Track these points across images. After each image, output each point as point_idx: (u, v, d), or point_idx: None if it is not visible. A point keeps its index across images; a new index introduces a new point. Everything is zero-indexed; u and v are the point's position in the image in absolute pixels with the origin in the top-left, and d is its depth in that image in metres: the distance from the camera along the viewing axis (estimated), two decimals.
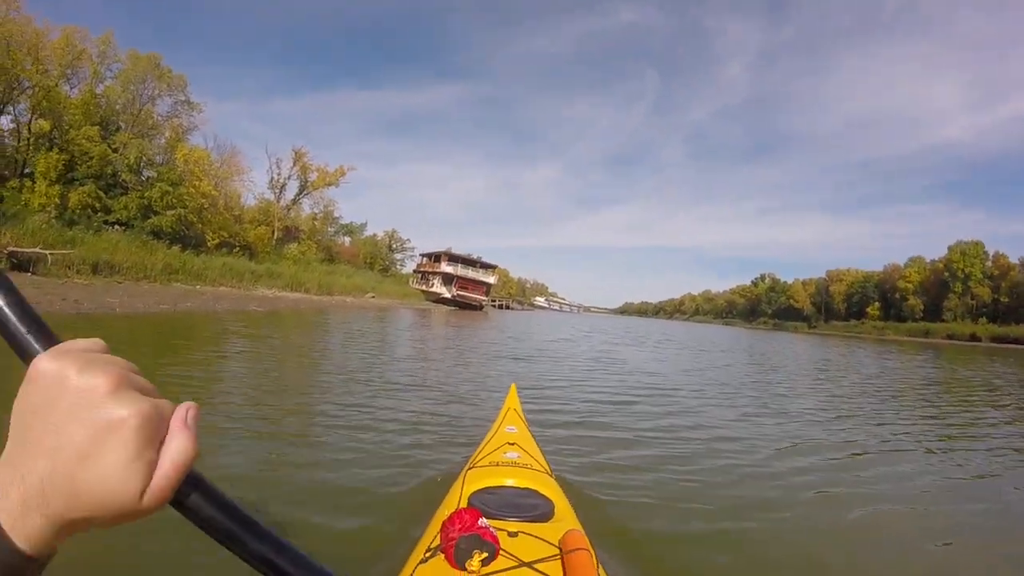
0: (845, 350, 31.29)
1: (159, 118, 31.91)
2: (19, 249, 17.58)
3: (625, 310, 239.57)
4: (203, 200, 30.66)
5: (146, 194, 28.13)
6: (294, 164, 45.91)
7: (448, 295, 57.00)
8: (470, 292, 58.81)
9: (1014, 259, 76.28)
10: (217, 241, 31.71)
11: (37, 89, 27.00)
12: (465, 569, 1.73)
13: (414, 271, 65.77)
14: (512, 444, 3.18)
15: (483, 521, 1.86)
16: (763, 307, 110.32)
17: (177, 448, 0.41)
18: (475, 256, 62.61)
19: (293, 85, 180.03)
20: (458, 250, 61.32)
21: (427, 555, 1.94)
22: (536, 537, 2.04)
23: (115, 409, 0.39)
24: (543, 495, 2.52)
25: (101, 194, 27.44)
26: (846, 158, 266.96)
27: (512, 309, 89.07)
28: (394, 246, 66.87)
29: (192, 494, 0.44)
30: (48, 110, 27.45)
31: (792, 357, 23.21)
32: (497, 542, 1.81)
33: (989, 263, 76.91)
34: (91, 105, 28.74)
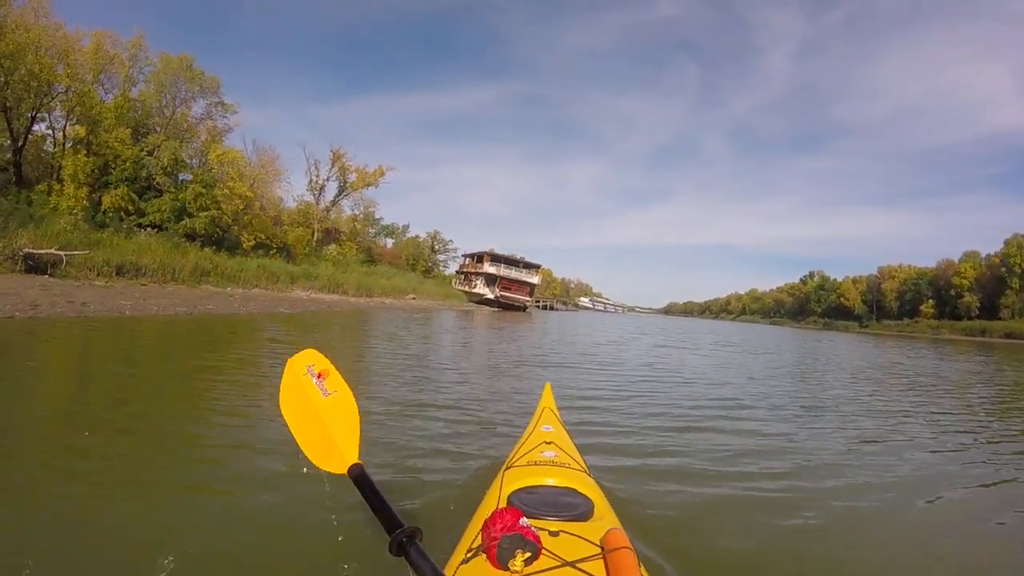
0: (916, 351, 28.38)
1: (193, 120, 30.69)
2: (35, 251, 16.47)
3: (670, 310, 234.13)
4: (238, 201, 29.58)
5: (180, 196, 26.88)
6: (332, 165, 44.56)
7: (491, 296, 54.96)
8: (513, 293, 56.60)
9: None
10: (253, 243, 30.29)
11: (71, 94, 25.97)
12: (508, 569, 1.72)
13: (456, 272, 63.78)
14: (549, 443, 3.12)
15: (524, 520, 1.85)
16: (812, 306, 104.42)
17: None
18: (518, 256, 60.29)
19: (336, 90, 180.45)
20: (501, 250, 59.24)
21: (468, 555, 1.92)
22: (577, 536, 2.02)
23: None
24: (583, 494, 2.48)
25: (134, 196, 26.28)
26: (896, 148, 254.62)
27: (556, 310, 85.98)
28: (436, 247, 65.11)
29: None
30: (83, 115, 26.31)
31: (863, 359, 20.60)
32: (539, 541, 1.80)
33: None
34: (124, 109, 27.65)
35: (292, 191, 44.38)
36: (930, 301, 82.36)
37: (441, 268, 64.79)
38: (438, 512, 3.35)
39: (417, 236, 62.93)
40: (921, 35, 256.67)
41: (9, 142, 25.28)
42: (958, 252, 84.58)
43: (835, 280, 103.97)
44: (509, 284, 56.85)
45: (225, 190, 28.46)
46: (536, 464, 2.77)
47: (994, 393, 12.46)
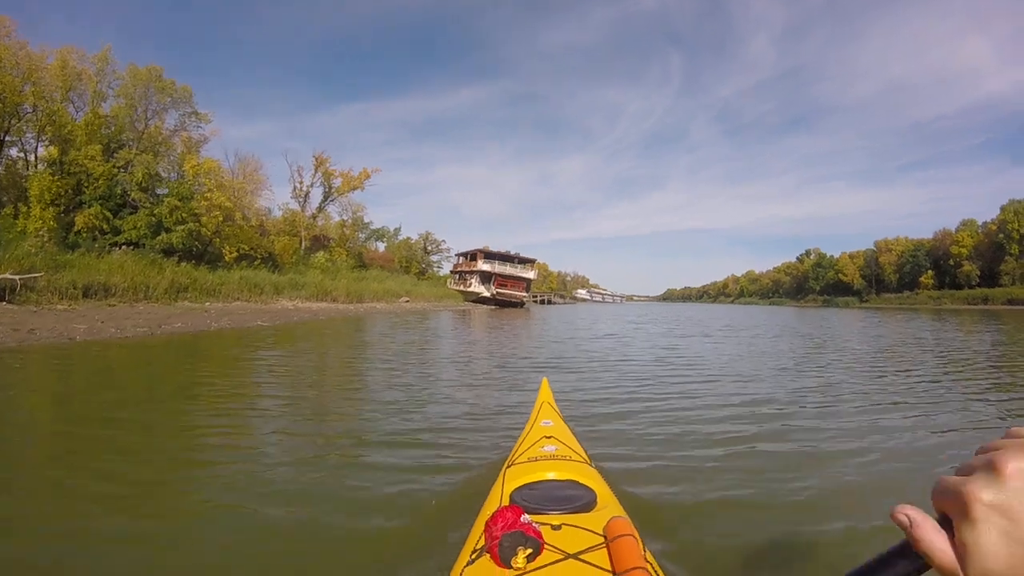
0: (932, 325, 27.15)
1: (167, 132, 29.56)
2: None
3: (668, 296, 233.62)
4: (218, 213, 28.59)
5: (156, 211, 25.87)
6: (316, 171, 43.49)
7: (487, 293, 53.81)
8: (509, 289, 55.30)
9: None
10: (235, 254, 29.24)
11: (40, 114, 25.15)
12: (511, 567, 1.75)
13: (451, 272, 62.60)
14: (549, 437, 3.12)
15: (525, 517, 1.89)
16: (811, 284, 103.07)
17: None
18: (512, 252, 59.20)
19: (325, 99, 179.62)
20: (495, 248, 58.19)
21: (473, 556, 1.93)
22: (580, 528, 2.02)
23: None
24: (584, 485, 2.47)
25: (108, 215, 25.33)
26: (886, 124, 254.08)
27: (554, 303, 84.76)
28: (429, 248, 64.00)
29: None
30: (55, 135, 25.46)
31: (886, 337, 19.45)
32: (540, 536, 1.84)
33: None
34: (95, 125, 26.56)
35: (277, 200, 43.49)
36: (929, 272, 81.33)
37: (435, 269, 63.75)
38: (443, 515, 3.35)
39: (409, 238, 61.82)
40: (904, 12, 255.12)
41: None
42: (953, 222, 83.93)
43: (832, 257, 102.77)
44: (504, 281, 55.62)
45: (203, 202, 27.45)
46: (537, 459, 2.76)
47: None
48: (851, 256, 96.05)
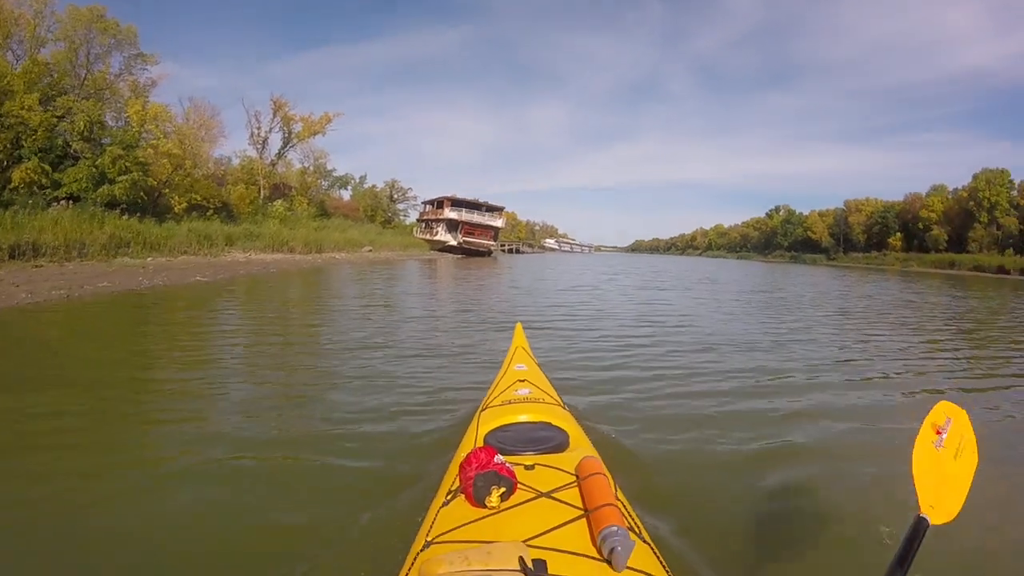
0: (911, 287, 28.55)
1: (112, 78, 28.26)
2: None
3: (636, 248, 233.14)
4: (166, 162, 27.50)
5: (97, 162, 24.97)
6: (274, 115, 42.03)
7: (454, 242, 53.44)
8: (477, 237, 55.07)
9: None
10: (185, 205, 28.55)
11: None
12: (485, 506, 1.82)
13: (417, 220, 62.03)
14: (523, 381, 3.12)
15: (499, 458, 1.95)
16: (779, 240, 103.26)
17: None
18: (480, 200, 58.38)
19: (288, 44, 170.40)
20: (464, 196, 57.38)
21: (448, 497, 1.99)
22: (553, 467, 2.08)
23: None
24: (557, 427, 2.52)
25: (48, 168, 24.33)
26: (864, 85, 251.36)
27: (523, 253, 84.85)
28: (395, 196, 63.01)
29: None
30: (6, 86, 24.01)
31: (873, 296, 20.73)
32: (514, 476, 1.90)
33: (1015, 193, 70.20)
34: (34, 73, 25.18)
35: (230, 145, 41.88)
36: (898, 234, 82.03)
37: (402, 218, 62.86)
38: (420, 458, 3.42)
39: (374, 186, 60.55)
40: None
41: None
42: (923, 188, 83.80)
43: (801, 214, 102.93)
44: (472, 229, 55.25)
45: (149, 150, 26.31)
46: (511, 403, 2.78)
47: None
48: (821, 214, 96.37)
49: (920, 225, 78.63)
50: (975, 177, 72.92)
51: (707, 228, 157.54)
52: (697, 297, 17.48)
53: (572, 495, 1.85)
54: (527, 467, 2.05)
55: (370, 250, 40.05)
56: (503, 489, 1.83)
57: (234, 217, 32.45)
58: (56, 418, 4.45)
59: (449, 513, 1.88)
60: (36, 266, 17.08)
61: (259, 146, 42.26)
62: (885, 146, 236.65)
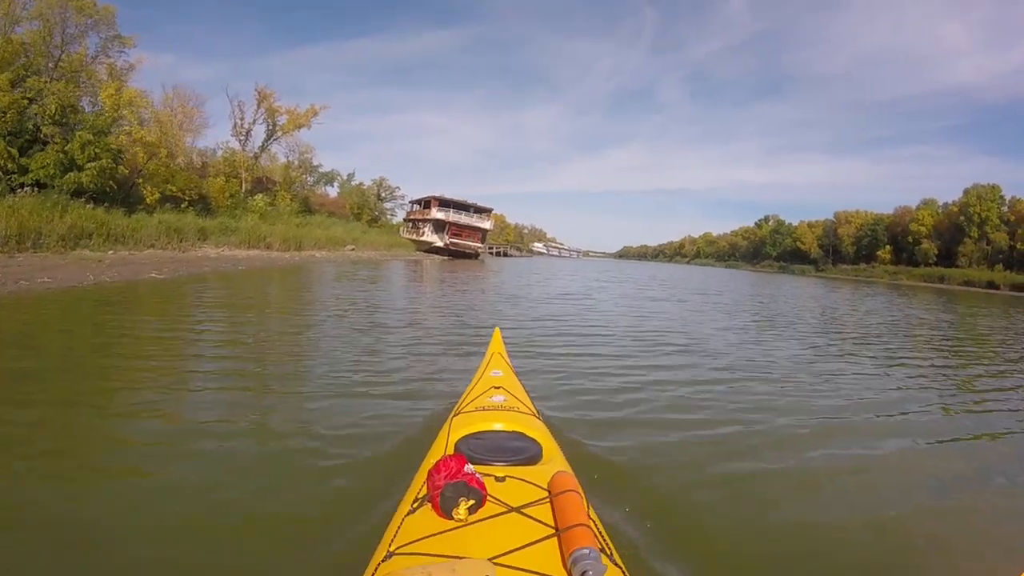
0: (914, 303, 27.73)
1: (88, 60, 26.94)
2: None
3: (624, 254, 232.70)
4: (139, 150, 26.30)
5: (66, 148, 23.77)
6: (259, 106, 40.55)
7: (440, 243, 52.24)
8: (464, 239, 53.86)
9: None
10: (158, 196, 27.30)
11: None
12: (452, 518, 1.77)
13: (404, 220, 60.69)
14: (498, 388, 3.04)
15: (469, 467, 1.89)
16: (767, 249, 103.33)
17: None
18: (468, 200, 57.15)
19: (282, 39, 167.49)
20: (453, 196, 56.12)
21: (415, 505, 1.94)
22: (524, 481, 2.01)
23: None
24: (530, 437, 2.45)
25: (14, 152, 23.14)
26: (856, 97, 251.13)
27: (510, 256, 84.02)
28: (383, 195, 61.76)
29: None
30: None
31: (886, 314, 19.54)
32: (484, 488, 1.83)
33: (1006, 208, 70.20)
34: (8, 52, 24.05)
35: (212, 136, 40.65)
36: (887, 247, 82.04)
37: (389, 217, 61.58)
38: (387, 463, 3.29)
39: (361, 184, 59.30)
40: None
41: None
42: (914, 201, 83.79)
43: (791, 224, 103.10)
44: (459, 230, 54.05)
45: (123, 137, 25.13)
46: (484, 409, 2.71)
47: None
48: (810, 225, 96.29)
49: (910, 239, 78.66)
50: (966, 192, 73.11)
51: (696, 236, 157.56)
52: (694, 310, 16.55)
53: (543, 512, 1.81)
54: (498, 479, 1.99)
55: (353, 249, 38.90)
56: (472, 501, 1.78)
57: (212, 211, 31.23)
58: None
59: (414, 522, 1.83)
60: None
61: (242, 138, 40.99)
62: (876, 158, 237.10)
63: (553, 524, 1.73)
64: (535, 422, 2.65)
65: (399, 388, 5.08)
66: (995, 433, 5.43)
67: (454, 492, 1.78)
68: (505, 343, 4.21)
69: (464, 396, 3.10)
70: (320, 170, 51.38)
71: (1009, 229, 68.92)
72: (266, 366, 6.22)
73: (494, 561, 1.53)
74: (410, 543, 1.73)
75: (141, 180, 27.08)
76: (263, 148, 42.42)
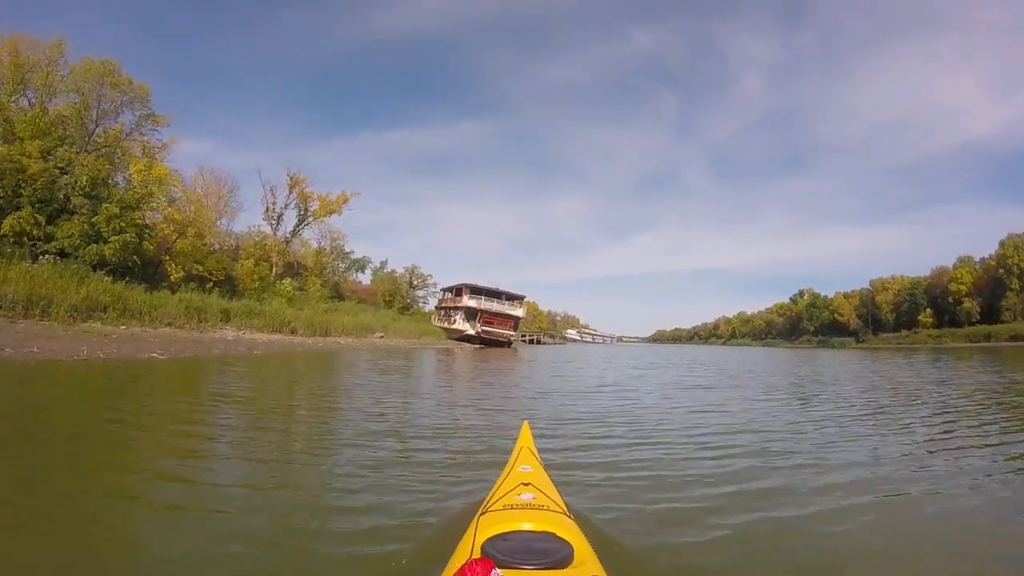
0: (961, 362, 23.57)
1: (122, 135, 25.94)
2: None
3: (658, 338, 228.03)
4: (164, 226, 24.85)
5: (93, 219, 22.16)
6: (290, 191, 39.54)
7: (472, 332, 48.93)
8: (496, 327, 50.57)
9: None
10: (182, 275, 25.45)
11: None
12: None
13: (436, 308, 57.93)
14: (527, 484, 2.89)
15: (497, 572, 1.73)
16: (804, 324, 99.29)
17: None
18: (500, 288, 54.15)
19: (318, 131, 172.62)
20: (484, 284, 53.28)
21: None
22: None
23: None
24: (561, 538, 2.30)
25: (41, 219, 21.57)
26: (877, 164, 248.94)
27: (543, 343, 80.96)
28: (415, 282, 60.10)
29: None
30: (11, 132, 22.39)
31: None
32: None
33: None
34: (43, 122, 23.18)
35: (246, 219, 39.78)
36: (927, 310, 78.18)
37: (420, 305, 59.51)
38: (409, 564, 3.00)
39: (393, 271, 57.76)
40: (892, 52, 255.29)
41: None
42: (949, 260, 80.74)
43: (826, 297, 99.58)
44: (491, 318, 50.94)
45: (150, 213, 23.75)
46: (512, 508, 2.58)
47: None
48: (846, 296, 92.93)
49: (950, 299, 74.81)
50: (1002, 244, 70.01)
51: (730, 316, 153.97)
52: (750, 397, 12.54)
53: None
54: None
55: (382, 336, 36.16)
56: None
57: (239, 292, 29.34)
58: None
59: None
60: None
61: (273, 222, 39.65)
62: (905, 221, 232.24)
63: None
64: (566, 521, 2.46)
65: (422, 482, 4.56)
66: None
67: None
68: (534, 437, 3.89)
69: (491, 493, 2.89)
70: (352, 256, 50.06)
71: None
72: (266, 464, 5.19)
73: None
74: None
75: (168, 258, 25.46)
76: (295, 233, 41.02)
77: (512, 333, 53.52)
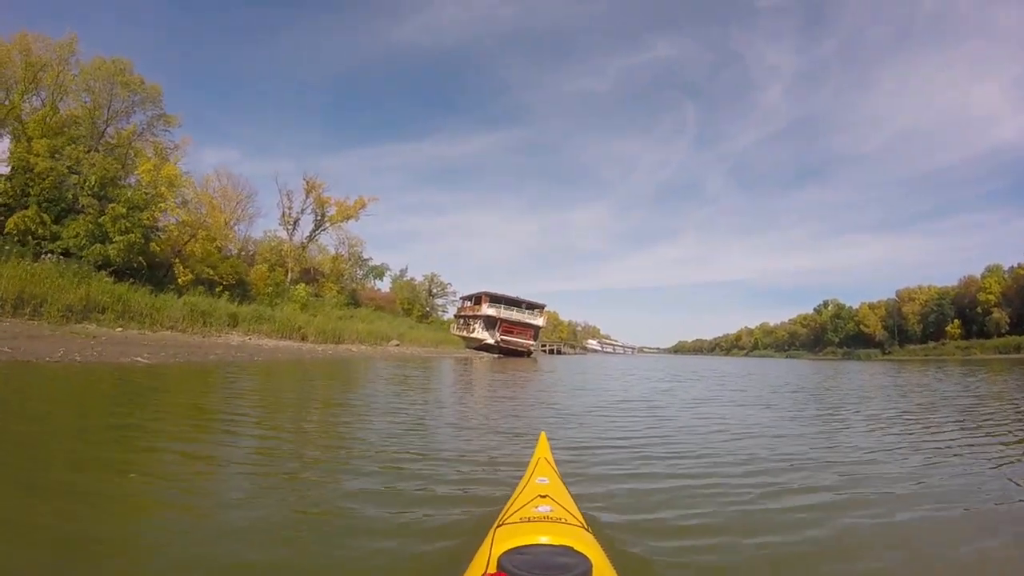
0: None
1: (134, 137, 25.07)
2: None
3: (679, 349, 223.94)
4: (173, 229, 23.91)
5: (100, 219, 21.18)
6: (307, 196, 38.35)
7: (491, 341, 47.44)
8: (515, 336, 48.93)
9: None
10: (191, 278, 24.40)
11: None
12: None
13: (455, 316, 56.62)
14: (544, 496, 2.76)
15: None
16: (829, 336, 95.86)
17: None
18: (520, 296, 52.61)
19: (337, 142, 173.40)
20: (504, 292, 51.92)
21: None
22: None
23: None
24: (580, 553, 2.15)
25: (47, 218, 20.69)
26: (899, 173, 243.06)
27: (564, 354, 78.87)
28: (435, 291, 58.72)
29: None
30: (21, 131, 21.83)
31: None
32: None
33: None
34: (51, 119, 22.46)
35: (262, 224, 38.93)
36: (955, 321, 74.94)
37: (439, 313, 58.19)
38: None
39: (412, 279, 56.56)
40: (914, 59, 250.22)
41: None
42: (977, 269, 77.72)
43: (851, 308, 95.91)
44: (511, 327, 49.25)
45: (157, 213, 22.84)
46: (529, 520, 2.47)
47: None
48: (871, 306, 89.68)
49: (979, 309, 71.45)
50: None
51: (752, 327, 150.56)
52: (790, 415, 10.51)
53: None
54: None
55: (397, 345, 34.66)
56: None
57: (251, 297, 28.27)
58: None
59: None
60: None
61: (290, 227, 38.57)
62: (931, 231, 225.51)
63: None
64: (585, 535, 2.32)
65: (437, 494, 4.14)
66: None
67: None
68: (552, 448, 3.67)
69: (508, 505, 2.75)
70: (370, 263, 48.94)
71: None
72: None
73: None
74: None
75: (178, 260, 24.49)
76: (311, 238, 39.86)
77: (532, 343, 51.75)
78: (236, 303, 25.10)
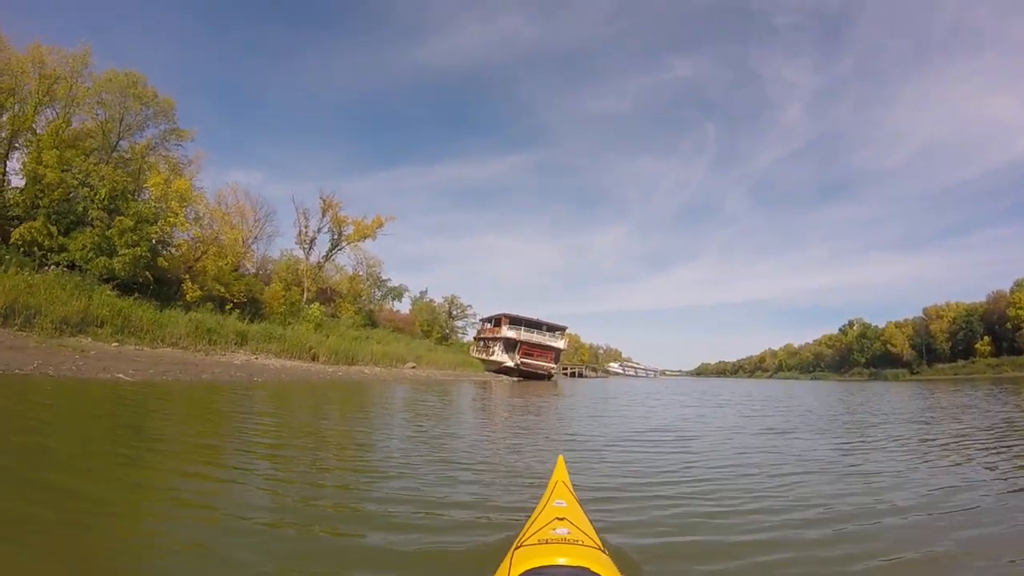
0: None
1: (148, 151, 24.20)
2: None
3: (702, 371, 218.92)
4: (185, 244, 22.97)
5: (107, 232, 20.25)
6: (323, 215, 37.30)
7: (511, 363, 45.60)
8: (536, 359, 47.13)
9: None
10: (199, 294, 23.42)
11: (13, 119, 21.10)
12: None
13: (475, 338, 54.56)
14: (562, 519, 2.71)
15: None
16: (855, 356, 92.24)
17: None
18: (540, 319, 50.75)
19: (358, 164, 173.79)
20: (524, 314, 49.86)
21: None
22: None
23: None
24: (597, 574, 2.14)
25: (53, 230, 19.74)
26: (921, 188, 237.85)
27: (585, 377, 76.40)
28: (454, 313, 57.47)
29: None
30: (35, 144, 21.15)
31: None
32: None
33: None
34: (63, 131, 21.73)
35: (279, 243, 37.92)
36: (985, 338, 71.51)
37: (459, 335, 56.70)
38: None
39: (432, 301, 55.21)
40: (932, 74, 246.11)
41: None
42: (1005, 284, 74.32)
43: (877, 327, 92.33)
44: (531, 349, 47.42)
45: (166, 227, 21.96)
46: (547, 543, 2.43)
47: None
48: (898, 325, 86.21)
49: (1009, 325, 67.75)
50: None
51: (776, 348, 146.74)
52: (846, 443, 8.64)
53: None
54: None
55: (413, 367, 33.08)
56: None
57: (263, 315, 27.16)
58: None
59: None
60: None
61: (306, 246, 37.41)
62: (956, 246, 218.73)
63: None
64: (602, 557, 2.29)
65: (455, 517, 4.02)
66: None
67: None
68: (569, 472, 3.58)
69: (526, 527, 2.71)
70: (388, 284, 47.73)
71: None
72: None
73: None
74: None
75: (188, 277, 23.52)
76: (328, 257, 38.67)
77: (553, 365, 49.83)
78: (247, 321, 23.94)
